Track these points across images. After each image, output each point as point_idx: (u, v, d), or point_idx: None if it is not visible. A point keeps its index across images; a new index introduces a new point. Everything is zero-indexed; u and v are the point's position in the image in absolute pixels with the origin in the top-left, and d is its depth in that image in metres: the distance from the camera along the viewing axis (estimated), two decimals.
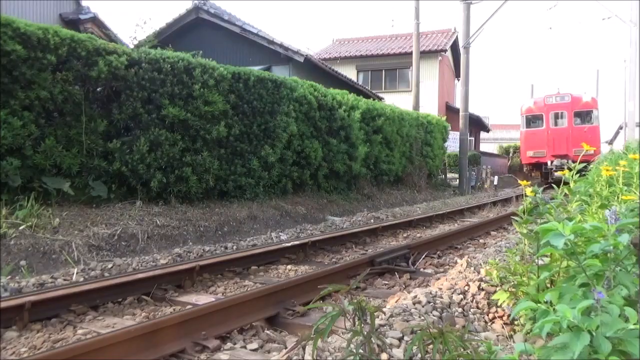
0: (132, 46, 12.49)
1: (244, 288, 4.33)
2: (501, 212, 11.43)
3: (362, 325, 1.38)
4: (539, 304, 1.37)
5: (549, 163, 22.44)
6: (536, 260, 2.44)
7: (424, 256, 5.52)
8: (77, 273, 4.61)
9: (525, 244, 2.62)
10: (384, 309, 3.32)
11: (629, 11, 18.62)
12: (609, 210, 1.50)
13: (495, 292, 3.06)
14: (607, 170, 2.61)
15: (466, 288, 3.57)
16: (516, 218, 2.65)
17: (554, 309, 1.27)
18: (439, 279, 4.36)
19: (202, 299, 3.87)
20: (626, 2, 23.11)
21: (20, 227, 5.22)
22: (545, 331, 1.28)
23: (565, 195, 2.55)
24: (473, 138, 30.02)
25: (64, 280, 4.41)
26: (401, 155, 14.11)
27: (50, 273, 4.63)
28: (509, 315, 2.85)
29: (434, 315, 3.13)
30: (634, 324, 1.17)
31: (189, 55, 7.83)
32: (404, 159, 14.31)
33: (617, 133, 28.37)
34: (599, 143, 22.61)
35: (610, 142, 29.51)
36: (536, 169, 23.83)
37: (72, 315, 3.50)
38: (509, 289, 2.69)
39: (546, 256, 2.33)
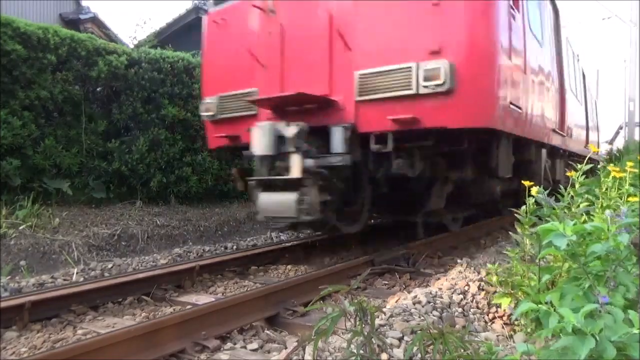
0: (132, 46, 12.49)
1: (244, 288, 4.32)
2: (502, 211, 11.39)
3: (363, 325, 1.37)
4: (540, 305, 1.37)
5: (257, 134, 4.30)
6: (537, 261, 2.43)
7: (424, 256, 5.51)
8: (77, 273, 4.60)
9: (526, 244, 2.62)
10: (384, 309, 3.31)
11: (629, 11, 18.61)
12: (610, 211, 1.49)
13: (495, 292, 3.06)
14: (616, 171, 2.60)
15: (466, 288, 3.57)
16: (517, 216, 2.64)
17: (554, 310, 1.27)
18: (439, 279, 4.35)
19: (202, 299, 3.87)
20: (626, 2, 22.77)
21: (20, 227, 5.22)
22: (549, 333, 1.28)
23: (572, 197, 2.55)
24: None
25: (64, 280, 4.41)
26: None
27: (49, 273, 4.62)
28: (509, 316, 2.85)
29: (434, 316, 3.13)
30: (638, 329, 1.17)
31: (189, 55, 7.82)
32: None
33: (617, 133, 28.19)
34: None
35: (611, 142, 29.35)
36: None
37: (71, 315, 3.49)
38: (509, 291, 2.68)
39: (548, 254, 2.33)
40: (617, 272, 1.48)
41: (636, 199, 1.78)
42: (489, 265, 3.05)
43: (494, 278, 2.87)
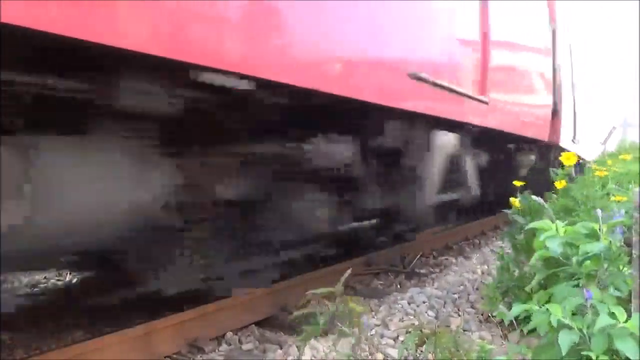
0: None
1: None
2: (496, 211, 11.42)
3: (351, 327, 1.38)
4: (533, 306, 1.38)
5: None
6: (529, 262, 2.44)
7: (418, 256, 5.52)
8: None
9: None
10: (379, 309, 3.32)
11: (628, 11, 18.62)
12: (600, 210, 1.51)
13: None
14: (600, 171, 2.62)
15: (461, 287, 3.60)
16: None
17: (547, 310, 1.28)
18: (434, 279, 4.37)
19: None
20: (626, 2, 22.58)
21: None
22: (542, 330, 1.29)
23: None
24: None
25: None
26: None
27: None
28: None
29: (429, 315, 3.15)
30: (624, 323, 1.18)
31: None
32: None
33: (610, 133, 28.13)
34: None
35: (604, 143, 29.32)
36: None
37: None
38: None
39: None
40: (609, 271, 1.49)
41: (622, 198, 1.79)
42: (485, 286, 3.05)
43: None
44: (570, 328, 1.18)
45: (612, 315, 1.21)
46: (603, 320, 1.17)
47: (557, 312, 1.19)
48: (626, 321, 1.18)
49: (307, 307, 1.49)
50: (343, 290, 1.47)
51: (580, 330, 1.19)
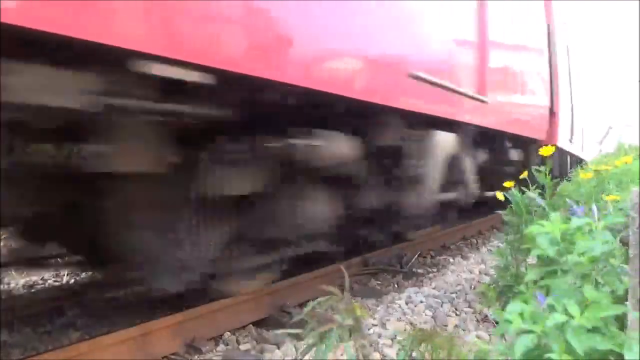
0: None
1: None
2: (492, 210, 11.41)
3: (354, 332, 1.38)
4: (528, 304, 1.38)
5: None
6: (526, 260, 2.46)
7: (416, 256, 5.53)
8: None
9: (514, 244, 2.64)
10: (377, 309, 3.33)
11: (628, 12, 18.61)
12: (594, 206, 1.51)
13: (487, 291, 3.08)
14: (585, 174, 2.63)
15: (459, 287, 3.61)
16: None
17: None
18: (431, 278, 4.38)
19: None
20: (626, 2, 22.42)
21: None
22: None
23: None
24: None
25: None
26: None
27: None
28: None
29: (426, 315, 3.15)
30: (578, 320, 1.18)
31: None
32: None
33: (607, 133, 28.19)
34: None
35: (600, 142, 29.33)
36: None
37: None
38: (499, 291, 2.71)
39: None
40: (604, 270, 1.49)
41: (614, 197, 1.80)
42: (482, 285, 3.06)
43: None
44: (530, 332, 1.19)
45: (566, 312, 1.20)
46: (556, 317, 1.17)
47: (516, 321, 1.22)
48: (581, 316, 1.18)
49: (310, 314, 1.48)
50: (349, 298, 1.47)
51: (544, 332, 1.19)
